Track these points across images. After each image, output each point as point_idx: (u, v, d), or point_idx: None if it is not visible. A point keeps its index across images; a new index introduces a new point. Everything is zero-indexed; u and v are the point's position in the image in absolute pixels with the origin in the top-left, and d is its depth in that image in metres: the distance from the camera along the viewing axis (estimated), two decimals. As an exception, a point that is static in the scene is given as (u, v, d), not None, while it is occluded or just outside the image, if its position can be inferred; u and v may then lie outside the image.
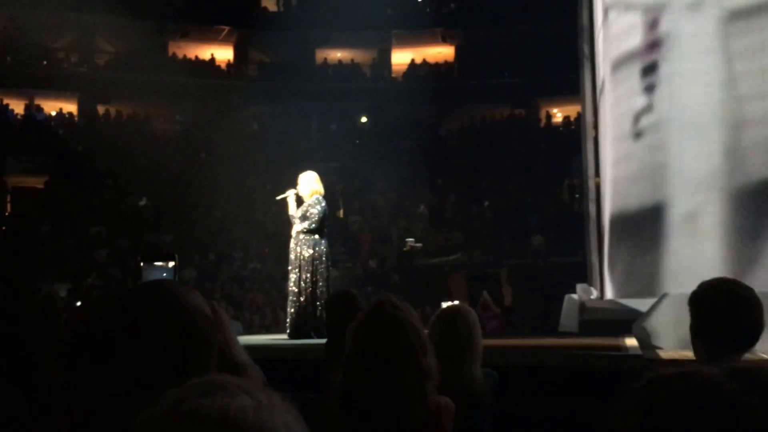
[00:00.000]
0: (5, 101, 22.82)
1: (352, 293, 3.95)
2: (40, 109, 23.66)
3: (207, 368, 1.19)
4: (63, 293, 14.72)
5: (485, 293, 14.03)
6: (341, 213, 19.20)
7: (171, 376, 1.11)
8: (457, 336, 3.07)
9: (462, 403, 3.06)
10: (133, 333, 1.15)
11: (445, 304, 5.63)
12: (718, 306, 2.24)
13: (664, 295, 6.22)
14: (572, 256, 13.16)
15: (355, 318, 2.30)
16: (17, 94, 23.15)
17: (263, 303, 15.06)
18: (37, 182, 20.34)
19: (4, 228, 18.06)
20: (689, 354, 4.24)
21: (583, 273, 10.26)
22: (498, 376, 3.26)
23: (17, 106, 23.25)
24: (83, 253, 16.84)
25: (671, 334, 5.38)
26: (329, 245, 7.61)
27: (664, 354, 5.04)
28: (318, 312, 7.16)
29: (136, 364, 1.13)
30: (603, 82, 9.28)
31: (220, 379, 0.83)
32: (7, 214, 19.89)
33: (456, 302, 3.55)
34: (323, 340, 6.74)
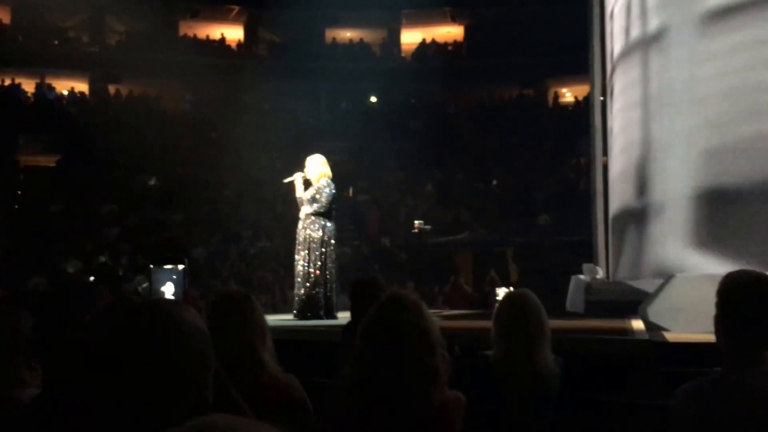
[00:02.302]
0: (17, 80, 22.92)
1: (376, 280, 3.94)
2: (51, 88, 23.77)
3: (205, 387, 1.21)
4: (72, 270, 14.90)
5: (492, 272, 14.11)
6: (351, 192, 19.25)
7: (169, 395, 1.14)
8: (528, 322, 3.12)
9: (533, 387, 3.09)
10: (130, 355, 1.16)
11: (500, 290, 5.66)
12: (747, 300, 2.12)
13: (671, 277, 6.24)
14: (578, 234, 13.20)
15: (366, 313, 2.33)
16: (29, 74, 23.25)
17: (272, 281, 15.16)
18: (49, 161, 20.45)
19: (16, 207, 18.19)
20: (696, 336, 4.31)
21: (589, 252, 10.32)
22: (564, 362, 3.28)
23: (29, 86, 23.35)
24: (94, 231, 16.98)
25: (678, 316, 5.42)
26: (337, 224, 7.69)
27: (671, 336, 5.09)
28: (328, 293, 7.27)
29: (133, 384, 1.14)
30: (615, 63, 9.23)
31: (216, 420, 0.83)
32: (19, 192, 20.03)
33: (521, 288, 3.54)
34: (333, 321, 6.87)
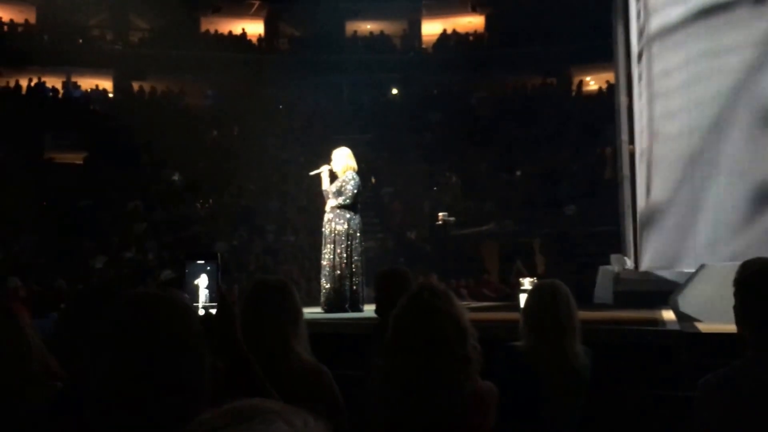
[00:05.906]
0: (43, 79, 23.20)
1: (402, 271, 3.89)
2: (76, 86, 24.03)
3: (202, 372, 1.21)
4: (99, 265, 15.06)
5: (519, 262, 14.04)
6: (373, 180, 19.19)
7: (166, 384, 1.14)
8: (558, 313, 3.08)
9: (565, 379, 3.05)
10: (134, 341, 1.17)
11: (525, 280, 5.59)
12: (766, 289, 2.09)
13: (701, 266, 6.16)
14: (605, 225, 13.06)
15: (397, 304, 2.31)
16: (54, 72, 23.50)
17: (298, 275, 15.20)
18: (77, 158, 20.70)
19: (44, 203, 18.38)
20: (728, 327, 4.23)
21: (616, 242, 10.21)
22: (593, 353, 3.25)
23: (55, 84, 23.61)
24: (121, 227, 17.14)
25: (710, 306, 5.34)
26: (361, 217, 7.67)
27: (703, 327, 5.02)
28: (354, 286, 7.25)
29: (130, 372, 1.15)
30: (640, 51, 9.09)
31: (255, 403, 0.82)
32: (48, 189, 20.24)
33: (551, 279, 3.48)
34: (359, 314, 6.86)
